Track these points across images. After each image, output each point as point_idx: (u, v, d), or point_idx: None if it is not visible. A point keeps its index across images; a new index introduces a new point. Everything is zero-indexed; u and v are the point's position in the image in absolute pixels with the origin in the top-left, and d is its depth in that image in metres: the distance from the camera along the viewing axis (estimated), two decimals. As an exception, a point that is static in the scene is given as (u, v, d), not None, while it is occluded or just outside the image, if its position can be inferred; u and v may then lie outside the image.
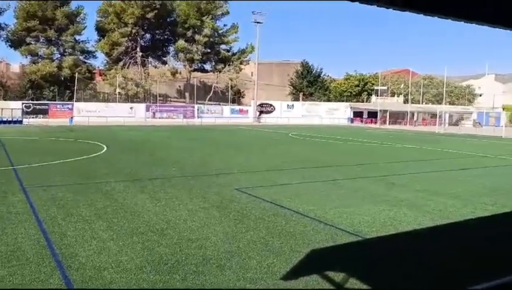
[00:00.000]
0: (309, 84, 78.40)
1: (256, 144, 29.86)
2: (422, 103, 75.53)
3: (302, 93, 77.05)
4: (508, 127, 55.39)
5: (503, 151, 28.59)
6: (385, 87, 77.78)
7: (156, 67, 75.34)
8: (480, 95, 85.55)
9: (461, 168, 19.27)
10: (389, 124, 65.07)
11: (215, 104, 70.87)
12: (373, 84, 78.78)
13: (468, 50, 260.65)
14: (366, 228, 9.34)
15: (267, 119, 66.67)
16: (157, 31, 74.00)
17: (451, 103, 76.70)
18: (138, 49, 71.42)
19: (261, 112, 68.51)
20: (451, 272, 7.12)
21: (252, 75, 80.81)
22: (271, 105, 69.83)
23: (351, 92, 79.81)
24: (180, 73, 75.91)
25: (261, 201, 11.53)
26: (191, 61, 73.34)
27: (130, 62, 71.60)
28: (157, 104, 64.50)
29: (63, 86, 65.52)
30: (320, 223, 9.57)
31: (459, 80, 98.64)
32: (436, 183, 15.06)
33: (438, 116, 62.41)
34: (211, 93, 75.02)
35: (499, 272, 6.83)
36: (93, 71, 73.57)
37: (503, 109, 70.85)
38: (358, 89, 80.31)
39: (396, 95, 78.72)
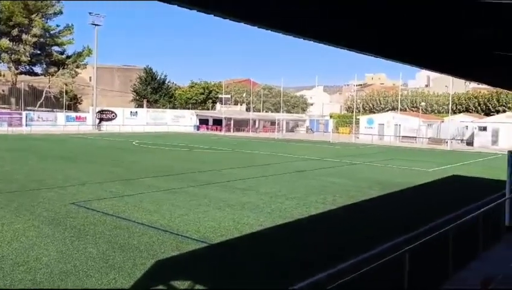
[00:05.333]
0: (153, 91, 76.89)
1: (95, 153, 27.97)
2: (262, 111, 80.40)
3: (146, 100, 75.15)
4: (334, 133, 62.46)
5: (330, 154, 32.09)
6: (229, 96, 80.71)
7: (-28, 69, 65.24)
8: (312, 104, 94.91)
9: (296, 171, 20.97)
10: (233, 131, 67.62)
11: (47, 111, 64.35)
12: (217, 92, 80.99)
13: (302, 63, 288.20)
14: (212, 233, 9.43)
15: (109, 127, 63.23)
16: (-27, 28, 64.18)
17: (288, 111, 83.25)
18: None
19: (101, 119, 64.63)
20: (292, 267, 7.60)
21: (90, 80, 75.87)
22: (112, 112, 66.42)
23: (196, 100, 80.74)
24: (4, 76, 66.96)
25: (101, 215, 10.77)
26: (18, 62, 65.22)
27: None
28: (-25, 111, 55.89)
29: None
30: (165, 232, 9.33)
31: (294, 90, 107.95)
32: (276, 186, 16.08)
33: (276, 123, 67.21)
34: (42, 98, 67.75)
35: (332, 262, 7.51)
36: None
37: (330, 116, 79.68)
38: (203, 97, 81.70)
39: (239, 104, 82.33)
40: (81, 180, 16.23)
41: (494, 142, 44.83)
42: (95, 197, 13.06)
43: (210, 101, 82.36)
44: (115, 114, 66.62)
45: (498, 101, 60.80)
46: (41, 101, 67.41)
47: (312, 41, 4.83)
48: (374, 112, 70.36)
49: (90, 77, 75.83)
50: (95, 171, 18.90)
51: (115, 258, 7.59)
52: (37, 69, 70.40)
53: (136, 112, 69.62)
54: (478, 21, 6.60)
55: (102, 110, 65.91)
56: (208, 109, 79.59)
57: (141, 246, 8.35)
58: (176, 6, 3.35)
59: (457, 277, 6.87)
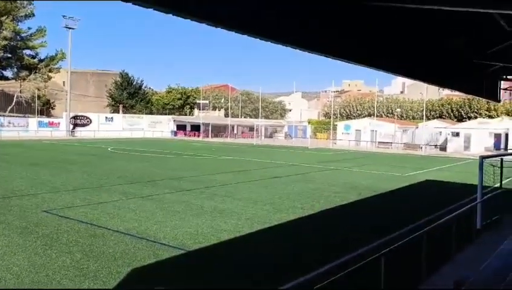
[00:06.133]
0: (129, 96, 75.84)
1: (69, 160, 27.38)
2: (241, 117, 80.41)
3: (122, 105, 74.14)
4: (312, 139, 62.94)
5: (308, 159, 32.26)
6: (207, 101, 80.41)
7: None
8: (290, 110, 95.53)
9: (275, 176, 20.99)
10: (211, 136, 67.36)
11: (19, 116, 62.63)
12: (195, 98, 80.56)
13: (280, 69, 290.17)
14: (190, 240, 9.32)
15: (83, 133, 62.06)
16: None
17: (267, 117, 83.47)
18: None
19: (75, 125, 63.41)
20: (270, 272, 7.56)
21: (64, 84, 74.40)
22: (87, 117, 65.22)
23: (173, 105, 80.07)
24: (-28, 80, 65.04)
25: (75, 222, 10.52)
26: (-14, 66, 63.49)
27: None
28: None
29: None
30: (142, 240, 9.18)
31: (272, 96, 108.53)
32: (254, 192, 16.05)
33: (255, 129, 67.29)
34: (13, 103, 65.81)
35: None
36: None
37: (309, 122, 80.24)
38: (181, 102, 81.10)
39: (217, 109, 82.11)
40: (54, 187, 15.85)
41: (467, 147, 45.92)
42: (69, 204, 12.76)
43: (188, 106, 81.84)
44: (90, 119, 65.51)
45: (470, 107, 62.41)
46: (12, 106, 65.58)
47: (292, 48, 4.83)
48: (351, 118, 71.17)
49: (63, 82, 74.34)
50: (68, 178, 18.50)
51: (90, 267, 7.42)
52: (8, 73, 68.67)
53: (112, 117, 68.61)
54: (452, 30, 6.77)
55: (77, 116, 64.73)
56: (186, 115, 79.03)
57: (117, 254, 8.19)
58: (151, 10, 3.28)
59: (431, 279, 6.97)
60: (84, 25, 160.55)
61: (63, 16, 62.61)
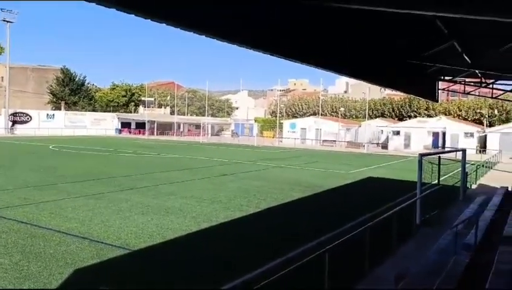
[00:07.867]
0: (72, 93, 72.88)
1: (7, 158, 25.98)
2: (187, 115, 79.60)
3: (64, 102, 71.11)
4: (259, 137, 63.44)
5: (254, 157, 32.56)
6: (152, 99, 78.89)
7: None
8: (237, 108, 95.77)
9: (222, 174, 21.04)
10: (157, 134, 66.22)
11: (-49, 113, 58.61)
12: (140, 95, 78.82)
13: (226, 67, 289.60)
14: (134, 239, 9.20)
15: (23, 130, 59.03)
16: None
17: (213, 115, 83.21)
18: None
19: (14, 122, 60.29)
20: (215, 270, 7.64)
21: (2, 80, 70.31)
22: (27, 114, 62.23)
23: (118, 102, 77.91)
24: None
25: (14, 223, 10.07)
26: None
27: None
28: None
29: None
30: (84, 240, 8.95)
31: (219, 94, 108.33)
32: (201, 190, 16.02)
33: (201, 127, 66.89)
34: None
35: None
36: None
37: (255, 120, 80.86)
38: (126, 100, 79.03)
39: (163, 107, 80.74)
40: (-11, 187, 15.02)
41: (407, 145, 48.16)
42: (7, 204, 12.17)
43: (132, 104, 79.86)
44: (30, 117, 62.59)
45: (410, 107, 65.39)
46: None
47: (238, 46, 4.92)
48: (297, 117, 72.43)
49: (2, 77, 70.19)
50: (7, 177, 17.57)
51: (30, 268, 7.16)
52: None
53: (53, 114, 65.85)
54: (392, 32, 7.14)
55: (16, 113, 61.61)
56: (131, 112, 77.11)
57: (58, 254, 7.95)
58: (94, 4, 3.24)
59: (373, 274, 7.30)
60: (23, 19, 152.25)
61: (1, 9, 59.40)
